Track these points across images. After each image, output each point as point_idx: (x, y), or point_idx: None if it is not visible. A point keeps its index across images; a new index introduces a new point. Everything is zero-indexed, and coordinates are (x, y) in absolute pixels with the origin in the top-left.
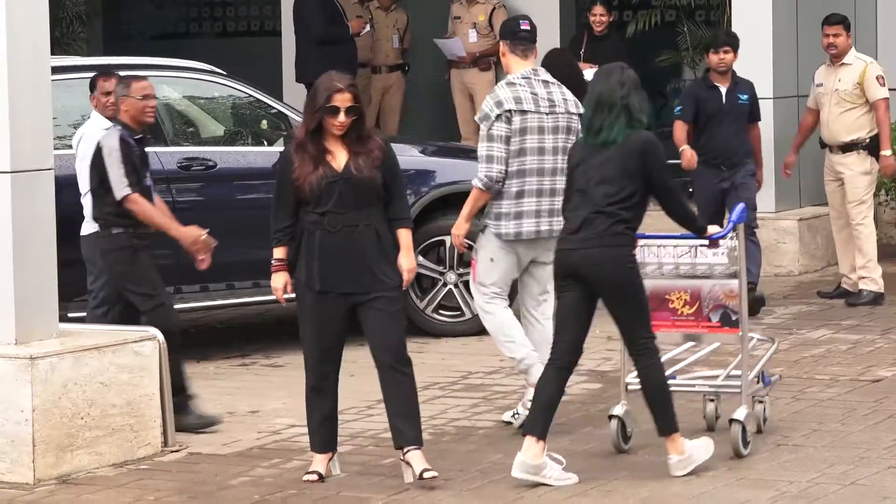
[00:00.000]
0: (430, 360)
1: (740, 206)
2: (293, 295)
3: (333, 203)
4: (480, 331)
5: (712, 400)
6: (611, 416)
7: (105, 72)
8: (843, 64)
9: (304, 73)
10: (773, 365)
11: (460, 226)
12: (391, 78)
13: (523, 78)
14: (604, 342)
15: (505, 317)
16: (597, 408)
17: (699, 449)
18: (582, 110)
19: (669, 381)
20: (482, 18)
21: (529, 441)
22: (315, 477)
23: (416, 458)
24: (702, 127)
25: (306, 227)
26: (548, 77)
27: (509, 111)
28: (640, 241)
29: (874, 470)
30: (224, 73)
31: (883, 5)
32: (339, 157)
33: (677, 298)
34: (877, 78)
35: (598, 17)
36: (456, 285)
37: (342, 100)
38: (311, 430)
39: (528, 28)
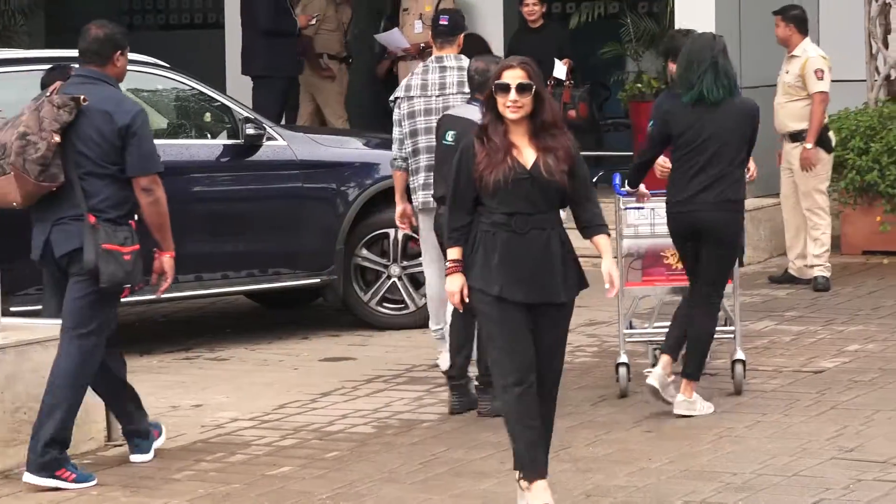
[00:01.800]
0: (374, 352)
1: None
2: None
3: (521, 202)
4: (424, 324)
5: (658, 348)
6: (618, 365)
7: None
8: (792, 55)
9: (251, 66)
10: (716, 356)
11: (397, 207)
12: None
13: (423, 66)
14: None
15: (427, 286)
16: None
17: (704, 403)
18: None
19: (649, 329)
20: (428, 9)
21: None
22: None
23: (542, 490)
24: None
25: (486, 228)
26: (451, 63)
27: (396, 98)
28: (624, 201)
29: (817, 461)
30: (167, 65)
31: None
32: (527, 153)
33: (672, 255)
34: (815, 72)
35: (531, 6)
36: (400, 278)
37: (512, 76)
38: (531, 456)
39: (445, 23)
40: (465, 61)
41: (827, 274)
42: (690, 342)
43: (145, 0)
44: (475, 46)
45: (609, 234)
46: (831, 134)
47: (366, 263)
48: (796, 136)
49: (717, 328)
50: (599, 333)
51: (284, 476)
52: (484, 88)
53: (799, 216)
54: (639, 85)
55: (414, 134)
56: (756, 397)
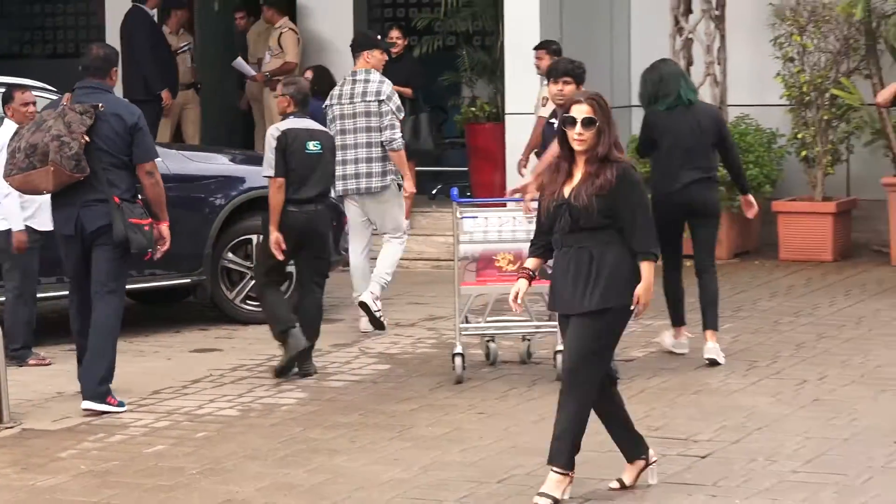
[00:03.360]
0: (238, 344)
1: None
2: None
3: (560, 225)
4: None
5: (527, 339)
6: (454, 355)
7: (20, 85)
8: None
9: (131, 90)
10: (541, 347)
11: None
12: (188, 95)
13: (345, 78)
14: (392, 328)
15: (350, 256)
16: (386, 386)
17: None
18: (384, 97)
19: (482, 324)
20: (273, 42)
21: (678, 330)
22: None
23: (550, 482)
24: None
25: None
26: (361, 77)
27: (326, 105)
28: (461, 210)
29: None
30: (56, 90)
31: (636, 29)
32: (576, 181)
33: (502, 258)
34: (541, 98)
35: (395, 40)
36: None
37: (579, 111)
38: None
39: (351, 43)
40: (374, 75)
41: None
42: (706, 303)
43: (34, 31)
44: (322, 78)
45: (654, 261)
46: None
47: (231, 265)
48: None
49: (542, 322)
50: (438, 327)
51: (158, 454)
52: (306, 105)
53: None
54: (472, 109)
55: (337, 133)
56: None
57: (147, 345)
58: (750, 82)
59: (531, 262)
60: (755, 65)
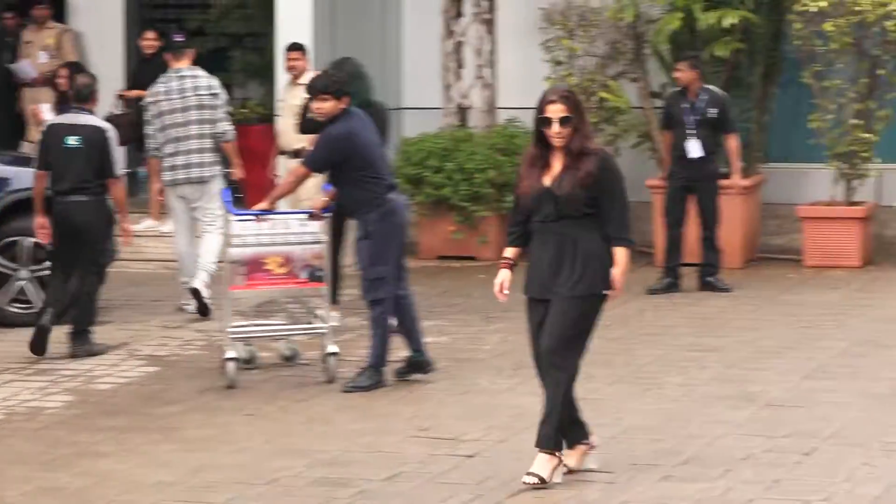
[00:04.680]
0: (3, 347)
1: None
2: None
3: (542, 214)
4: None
5: (288, 342)
6: (227, 359)
7: None
8: (300, 83)
9: None
10: (312, 349)
11: (153, 183)
12: None
13: (166, 76)
14: (161, 330)
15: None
16: (154, 388)
17: None
18: (217, 91)
19: (261, 328)
20: (51, 42)
21: None
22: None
23: (539, 462)
24: None
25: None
26: (187, 73)
27: (147, 103)
28: (236, 217)
29: (396, 439)
30: None
31: (408, 32)
32: (555, 171)
33: (272, 261)
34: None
35: (150, 41)
36: (29, 280)
37: (554, 111)
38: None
39: (182, 39)
40: (200, 71)
41: None
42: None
43: None
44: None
45: (628, 247)
46: None
47: None
48: (296, 154)
49: (312, 325)
50: (207, 329)
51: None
52: (91, 100)
53: None
54: (244, 110)
55: (163, 128)
56: (343, 382)
57: None
58: (520, 85)
59: (510, 252)
60: (525, 68)
